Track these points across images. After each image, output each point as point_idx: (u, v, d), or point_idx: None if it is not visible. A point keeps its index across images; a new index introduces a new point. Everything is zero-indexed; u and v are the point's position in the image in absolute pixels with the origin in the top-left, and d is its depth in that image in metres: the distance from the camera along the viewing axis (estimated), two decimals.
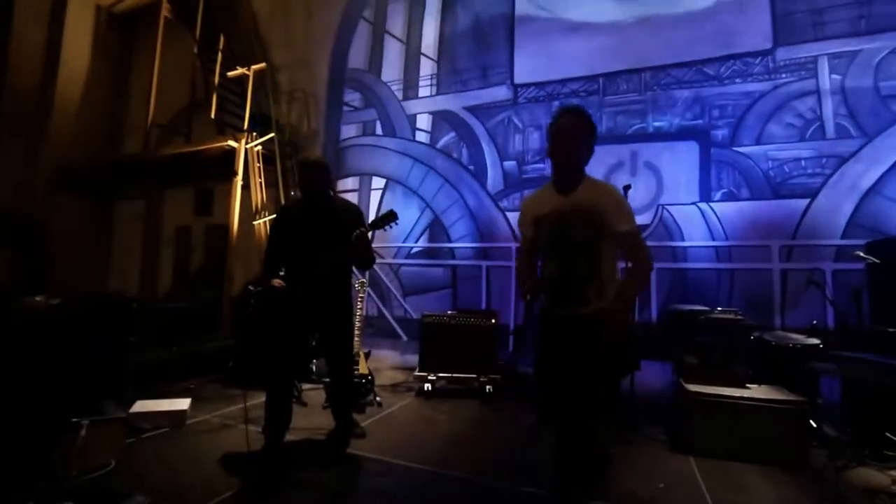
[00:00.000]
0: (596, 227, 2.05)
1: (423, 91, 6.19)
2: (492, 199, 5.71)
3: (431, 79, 6.15)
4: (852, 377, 3.15)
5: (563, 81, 5.49)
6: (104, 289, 7.73)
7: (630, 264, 2.11)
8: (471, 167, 5.86)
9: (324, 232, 2.88)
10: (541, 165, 5.56)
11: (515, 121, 5.70)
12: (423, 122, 6.17)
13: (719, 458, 2.86)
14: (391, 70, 6.38)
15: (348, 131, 6.49)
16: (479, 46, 5.92)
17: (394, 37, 6.37)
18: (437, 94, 6.10)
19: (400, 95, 6.28)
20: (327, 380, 3.31)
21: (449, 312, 4.42)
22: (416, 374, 4.27)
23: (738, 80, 4.75)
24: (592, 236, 2.07)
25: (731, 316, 3.64)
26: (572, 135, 2.08)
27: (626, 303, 2.09)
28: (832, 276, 4.23)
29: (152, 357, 4.25)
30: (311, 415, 3.61)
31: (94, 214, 8.13)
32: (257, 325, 3.04)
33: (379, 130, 6.36)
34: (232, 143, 5.73)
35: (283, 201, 5.74)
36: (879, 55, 4.36)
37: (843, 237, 4.26)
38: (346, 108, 6.52)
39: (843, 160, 4.35)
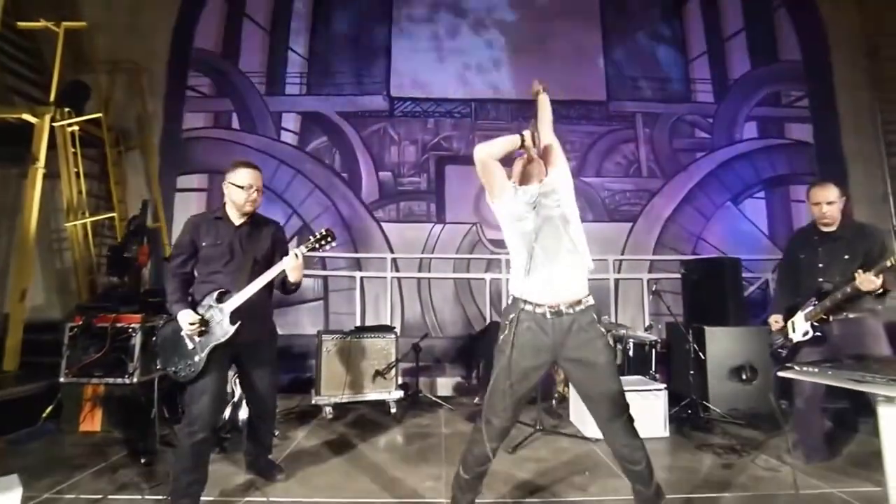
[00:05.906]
0: None
1: (291, 88, 5.68)
2: (367, 208, 5.59)
3: (301, 77, 5.70)
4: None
5: (438, 101, 5.75)
6: None
7: None
8: (344, 174, 5.63)
9: (248, 252, 2.51)
10: (417, 179, 5.69)
11: (392, 132, 5.71)
12: (290, 121, 5.66)
13: None
14: (250, 59, 5.66)
15: (194, 120, 5.50)
16: (356, 51, 5.75)
17: (255, 23, 5.68)
18: (308, 93, 5.68)
19: (262, 89, 5.63)
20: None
21: (346, 330, 4.19)
22: (315, 399, 3.92)
23: (583, 122, 5.73)
24: None
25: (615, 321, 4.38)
26: None
27: None
28: (646, 283, 5.44)
29: None
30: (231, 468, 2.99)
31: None
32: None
33: (235, 124, 5.57)
34: (29, 116, 4.31)
35: (116, 198, 4.53)
36: (671, 119, 5.82)
37: (653, 253, 5.54)
38: (191, 94, 5.52)
39: (652, 194, 5.65)
